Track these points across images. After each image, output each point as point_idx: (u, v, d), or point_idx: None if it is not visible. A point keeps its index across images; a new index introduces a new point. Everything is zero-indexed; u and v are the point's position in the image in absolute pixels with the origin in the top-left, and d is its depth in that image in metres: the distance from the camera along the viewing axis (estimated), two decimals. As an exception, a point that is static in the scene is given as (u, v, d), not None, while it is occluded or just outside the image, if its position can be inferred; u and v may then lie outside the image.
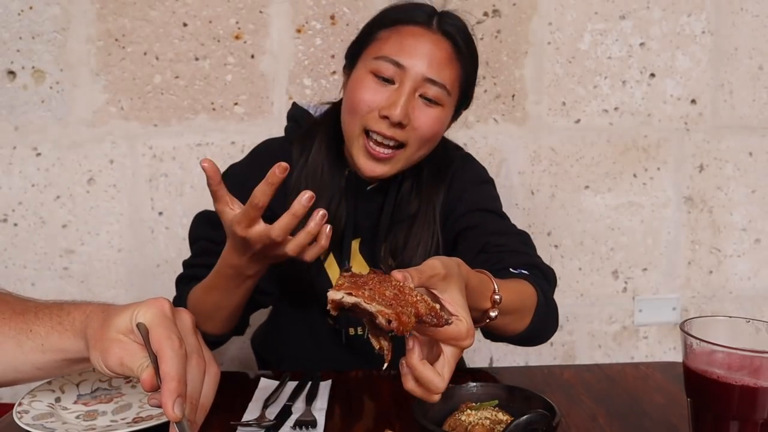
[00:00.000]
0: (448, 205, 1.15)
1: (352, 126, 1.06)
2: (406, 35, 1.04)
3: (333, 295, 0.59)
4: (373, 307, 0.58)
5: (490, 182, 1.23)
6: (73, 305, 0.72)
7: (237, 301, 1.00)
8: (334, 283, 1.11)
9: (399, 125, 1.02)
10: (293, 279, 1.14)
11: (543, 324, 1.00)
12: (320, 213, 0.83)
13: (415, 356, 0.63)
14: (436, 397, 0.64)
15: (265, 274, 0.99)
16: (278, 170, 0.80)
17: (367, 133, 1.04)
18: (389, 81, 1.03)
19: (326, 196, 1.11)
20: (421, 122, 1.03)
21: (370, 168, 1.05)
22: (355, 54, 1.11)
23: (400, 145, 1.04)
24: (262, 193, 0.81)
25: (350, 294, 0.59)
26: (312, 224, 0.84)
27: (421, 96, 1.03)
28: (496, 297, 0.83)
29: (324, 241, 0.86)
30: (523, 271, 0.99)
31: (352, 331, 1.16)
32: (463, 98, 1.13)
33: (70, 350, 0.70)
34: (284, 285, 1.16)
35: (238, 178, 1.02)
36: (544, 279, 1.04)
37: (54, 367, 0.73)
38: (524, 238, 1.12)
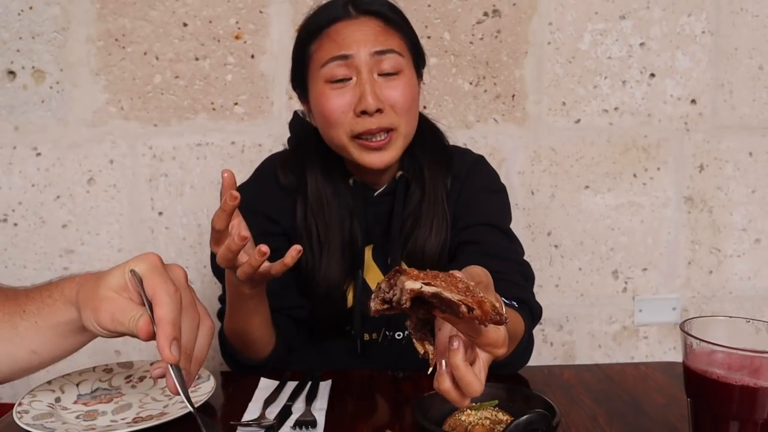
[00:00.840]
0: (455, 211, 1.13)
1: (338, 137, 1.05)
2: (336, 33, 1.04)
3: (411, 284, 0.57)
4: (454, 296, 0.56)
5: (502, 191, 1.20)
6: (62, 279, 0.72)
7: (257, 321, 1.01)
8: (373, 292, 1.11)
9: (378, 112, 1.02)
10: (317, 303, 1.13)
11: (520, 356, 1.01)
12: (262, 249, 0.84)
13: (459, 356, 0.61)
14: (467, 402, 0.64)
15: (292, 292, 1.02)
16: (229, 199, 0.81)
17: (356, 136, 1.04)
18: (345, 80, 1.03)
19: (337, 223, 1.10)
20: (395, 97, 1.04)
21: (378, 159, 1.05)
22: (300, 81, 1.11)
23: (390, 129, 1.04)
24: (218, 218, 0.84)
25: (429, 284, 0.57)
26: (254, 257, 0.85)
27: (380, 75, 1.04)
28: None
29: (288, 259, 0.87)
30: (513, 303, 0.99)
31: (366, 336, 1.15)
32: (417, 58, 1.12)
33: (63, 321, 0.70)
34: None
35: (247, 201, 1.01)
36: (530, 315, 1.03)
37: (49, 347, 0.72)
38: (524, 270, 1.10)
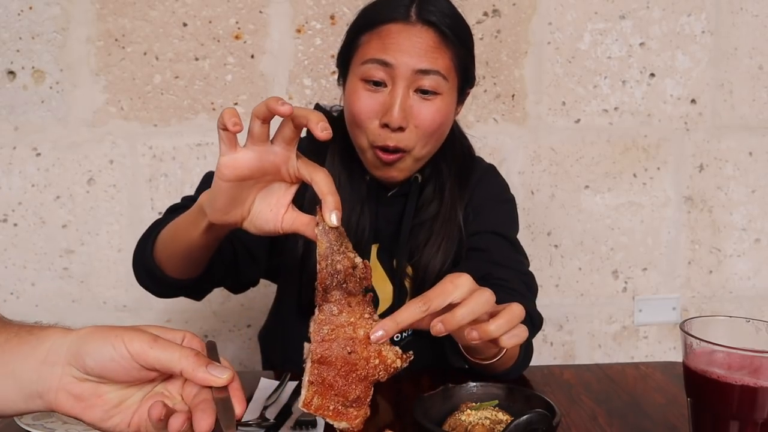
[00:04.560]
0: (463, 219, 1.13)
1: (359, 140, 1.06)
2: (387, 35, 1.01)
3: (306, 382, 0.63)
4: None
5: (511, 201, 1.21)
6: (46, 327, 0.61)
7: (197, 242, 0.86)
8: None
9: (400, 130, 1.01)
10: (307, 287, 1.12)
11: (519, 365, 1.01)
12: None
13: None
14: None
15: (259, 240, 0.99)
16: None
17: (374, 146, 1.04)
18: (380, 84, 1.01)
19: (347, 207, 1.08)
20: (422, 118, 1.01)
21: (387, 174, 1.06)
22: (344, 62, 1.09)
23: (404, 151, 1.04)
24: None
25: (315, 380, 0.63)
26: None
27: (416, 90, 1.01)
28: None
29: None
30: None
31: None
32: (464, 79, 1.09)
33: (26, 378, 0.58)
34: (297, 291, 1.15)
35: None
36: (531, 326, 1.03)
37: (9, 398, 0.59)
38: (527, 279, 1.10)
